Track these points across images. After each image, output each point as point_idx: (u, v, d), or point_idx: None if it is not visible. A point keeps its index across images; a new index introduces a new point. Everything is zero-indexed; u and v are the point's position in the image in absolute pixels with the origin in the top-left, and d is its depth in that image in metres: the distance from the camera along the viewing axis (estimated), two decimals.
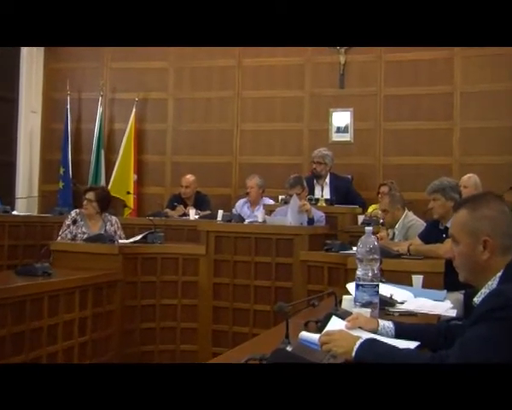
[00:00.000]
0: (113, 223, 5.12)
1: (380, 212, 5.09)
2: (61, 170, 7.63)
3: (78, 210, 5.18)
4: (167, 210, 6.43)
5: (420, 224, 4.64)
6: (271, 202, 6.42)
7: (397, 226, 4.74)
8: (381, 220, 5.00)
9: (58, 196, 7.60)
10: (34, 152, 7.98)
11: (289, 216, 5.07)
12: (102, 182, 7.52)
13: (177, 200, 6.65)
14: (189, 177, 6.75)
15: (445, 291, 3.21)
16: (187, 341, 4.76)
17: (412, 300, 2.97)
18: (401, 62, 6.94)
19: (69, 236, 4.96)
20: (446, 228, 3.94)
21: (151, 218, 5.55)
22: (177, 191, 6.85)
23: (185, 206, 6.51)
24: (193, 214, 6.13)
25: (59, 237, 5.01)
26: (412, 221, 4.72)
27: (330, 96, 7.22)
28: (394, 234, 4.74)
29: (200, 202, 6.63)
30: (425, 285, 3.29)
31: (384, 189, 6.13)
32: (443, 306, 2.88)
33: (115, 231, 5.07)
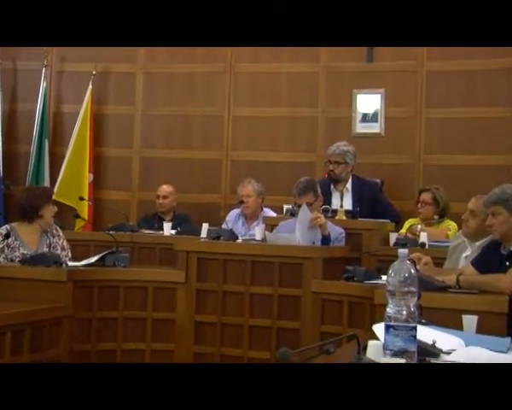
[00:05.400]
0: (58, 233, 5.09)
1: (419, 227, 5.10)
2: None
3: (8, 226, 5.09)
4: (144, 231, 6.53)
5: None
6: (273, 214, 6.43)
7: None
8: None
9: None
10: None
11: (297, 233, 5.08)
12: (46, 183, 7.52)
13: (149, 220, 6.73)
14: (166, 187, 6.92)
15: (508, 339, 3.20)
16: None
17: (463, 349, 2.96)
18: None
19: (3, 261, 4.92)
20: (511, 252, 3.94)
21: (112, 233, 5.55)
22: (148, 199, 6.85)
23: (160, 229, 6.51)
24: (168, 229, 6.13)
25: None
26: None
27: (354, 73, 7.26)
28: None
29: (179, 222, 6.65)
30: (480, 330, 3.28)
31: (426, 196, 6.14)
32: (505, 358, 2.87)
33: (63, 247, 5.04)
